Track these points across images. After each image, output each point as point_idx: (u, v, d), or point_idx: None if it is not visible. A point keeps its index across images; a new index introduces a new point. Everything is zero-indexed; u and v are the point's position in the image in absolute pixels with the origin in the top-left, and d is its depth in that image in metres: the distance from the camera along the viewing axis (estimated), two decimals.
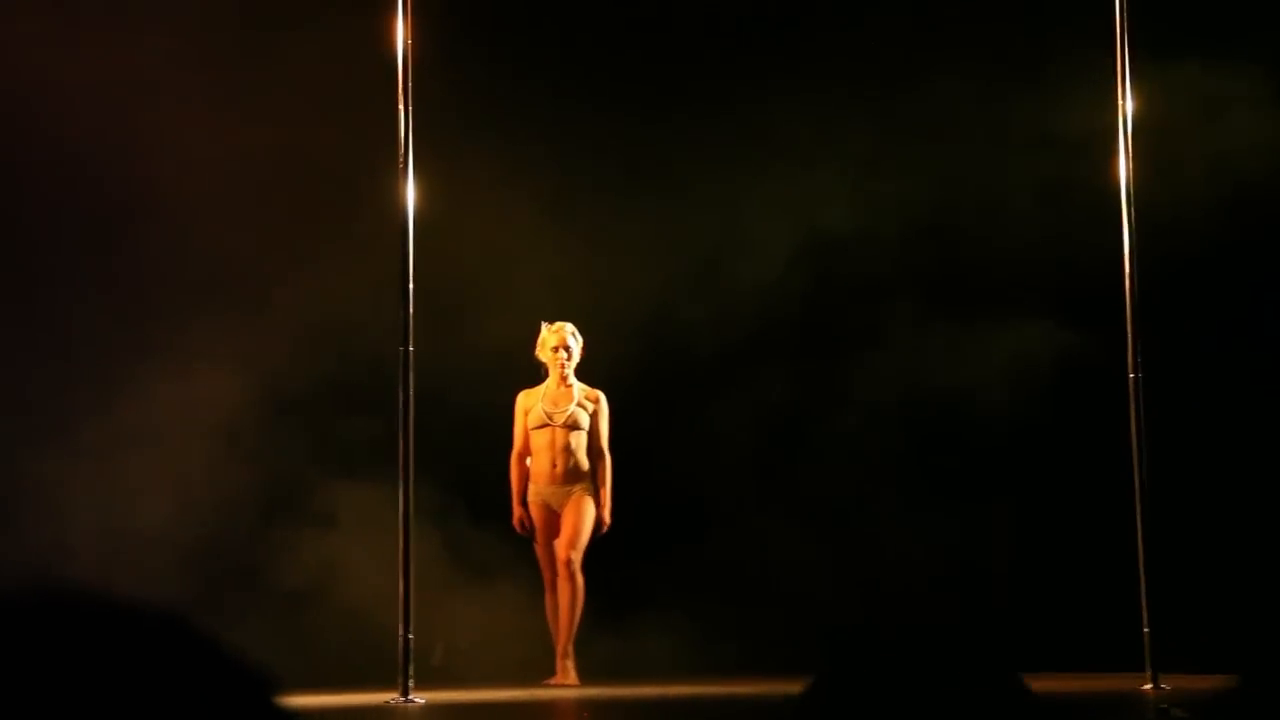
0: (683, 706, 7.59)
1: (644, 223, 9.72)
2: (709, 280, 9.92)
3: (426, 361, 7.35)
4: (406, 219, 7.35)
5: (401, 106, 7.31)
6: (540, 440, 8.28)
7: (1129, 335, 7.59)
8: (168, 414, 9.20)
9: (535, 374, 8.35)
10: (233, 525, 9.25)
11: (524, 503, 8.32)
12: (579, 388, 8.31)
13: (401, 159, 7.33)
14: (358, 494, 9.15)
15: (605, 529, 8.27)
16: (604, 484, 8.27)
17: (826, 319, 9.91)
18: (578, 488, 8.25)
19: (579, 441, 8.27)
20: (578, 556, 8.20)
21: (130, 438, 9.15)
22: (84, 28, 9.15)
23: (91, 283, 9.28)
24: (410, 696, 6.96)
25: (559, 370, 8.27)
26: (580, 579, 8.19)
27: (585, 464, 8.27)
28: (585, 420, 8.28)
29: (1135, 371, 7.57)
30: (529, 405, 8.32)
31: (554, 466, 8.26)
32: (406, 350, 7.21)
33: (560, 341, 8.27)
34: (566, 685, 8.13)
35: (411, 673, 7.00)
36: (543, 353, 8.31)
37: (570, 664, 8.21)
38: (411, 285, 7.26)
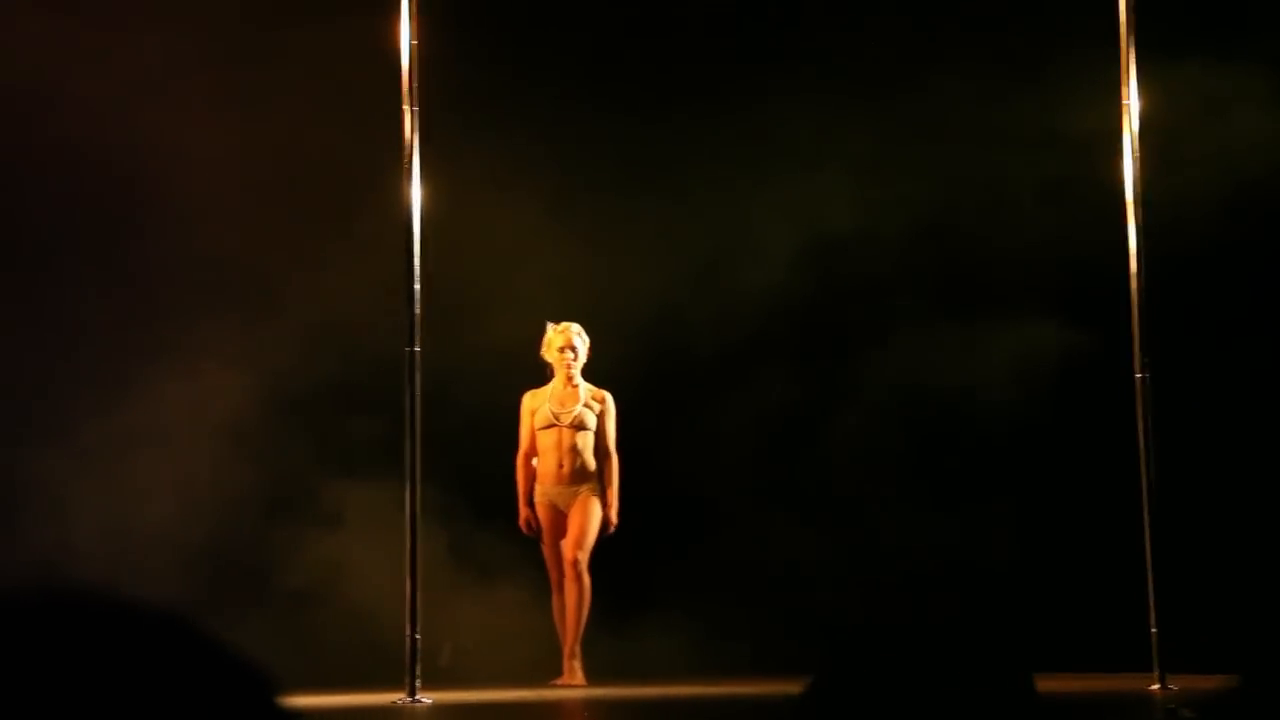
0: (688, 707, 7.59)
1: (648, 223, 9.73)
2: (712, 280, 9.91)
3: (432, 362, 7.36)
4: (412, 219, 7.35)
5: (407, 107, 7.31)
6: (547, 441, 8.28)
7: (1135, 335, 7.58)
8: (174, 414, 9.21)
9: (541, 374, 8.35)
10: (238, 525, 9.25)
11: (530, 503, 8.32)
12: (585, 388, 8.31)
13: (407, 159, 7.34)
14: (364, 494, 9.15)
15: (612, 529, 8.27)
16: (611, 484, 8.27)
17: (830, 319, 9.91)
18: (584, 488, 8.25)
19: (586, 442, 8.27)
20: (584, 557, 8.20)
21: (136, 437, 9.16)
22: (92, 28, 9.15)
23: (97, 283, 9.29)
24: (417, 697, 6.96)
25: (565, 371, 8.27)
26: (587, 579, 8.19)
27: (592, 464, 8.27)
28: (592, 421, 8.28)
29: (1142, 371, 7.56)
30: (535, 406, 8.31)
31: (560, 467, 8.26)
32: (413, 350, 7.21)
33: (566, 342, 8.27)
34: (573, 685, 8.13)
35: (418, 673, 7.00)
36: (549, 353, 8.30)
37: (577, 664, 8.21)
38: (417, 285, 7.26)
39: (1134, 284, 7.61)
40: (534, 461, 8.33)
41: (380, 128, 7.71)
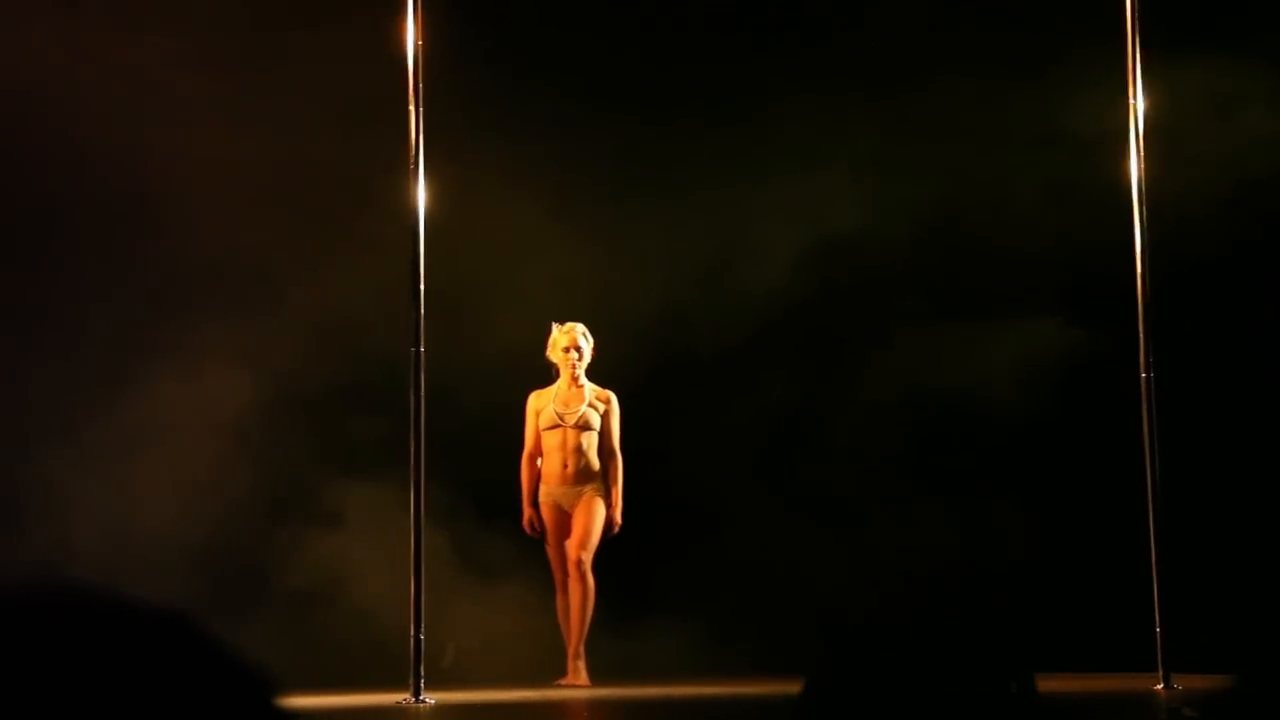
0: (692, 707, 7.59)
1: (652, 223, 9.73)
2: (716, 280, 9.92)
3: (437, 362, 7.35)
4: (417, 220, 7.35)
5: (412, 108, 7.31)
6: (552, 441, 8.28)
7: (1141, 335, 7.58)
8: (177, 414, 9.22)
9: (546, 374, 8.35)
10: (241, 525, 9.25)
11: (534, 504, 8.32)
12: (590, 388, 8.31)
13: (412, 160, 7.34)
14: (367, 494, 9.15)
15: (616, 529, 8.27)
16: (615, 484, 8.27)
17: (834, 320, 9.90)
18: (589, 488, 8.25)
19: (590, 442, 8.27)
20: (588, 557, 8.20)
21: (138, 437, 9.16)
22: (96, 29, 9.16)
23: (101, 283, 9.30)
24: (422, 697, 6.96)
25: (570, 371, 8.27)
26: (591, 579, 8.19)
27: (596, 464, 8.27)
28: (596, 421, 8.28)
29: (1147, 371, 7.56)
30: (540, 406, 8.31)
31: (565, 467, 8.26)
32: (417, 351, 7.21)
33: (571, 342, 8.27)
34: (578, 686, 8.13)
35: (422, 673, 7.00)
36: (554, 353, 8.31)
37: (581, 664, 8.21)
38: (422, 286, 7.27)
39: (1139, 284, 7.61)
40: (538, 462, 8.34)
41: (385, 128, 7.71)
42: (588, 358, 8.30)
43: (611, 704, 7.60)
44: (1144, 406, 7.54)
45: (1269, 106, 9.48)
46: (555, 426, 8.27)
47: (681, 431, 9.74)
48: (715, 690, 8.03)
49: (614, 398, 8.33)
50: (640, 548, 8.61)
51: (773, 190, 9.87)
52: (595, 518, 8.21)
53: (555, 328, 8.34)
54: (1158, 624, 7.37)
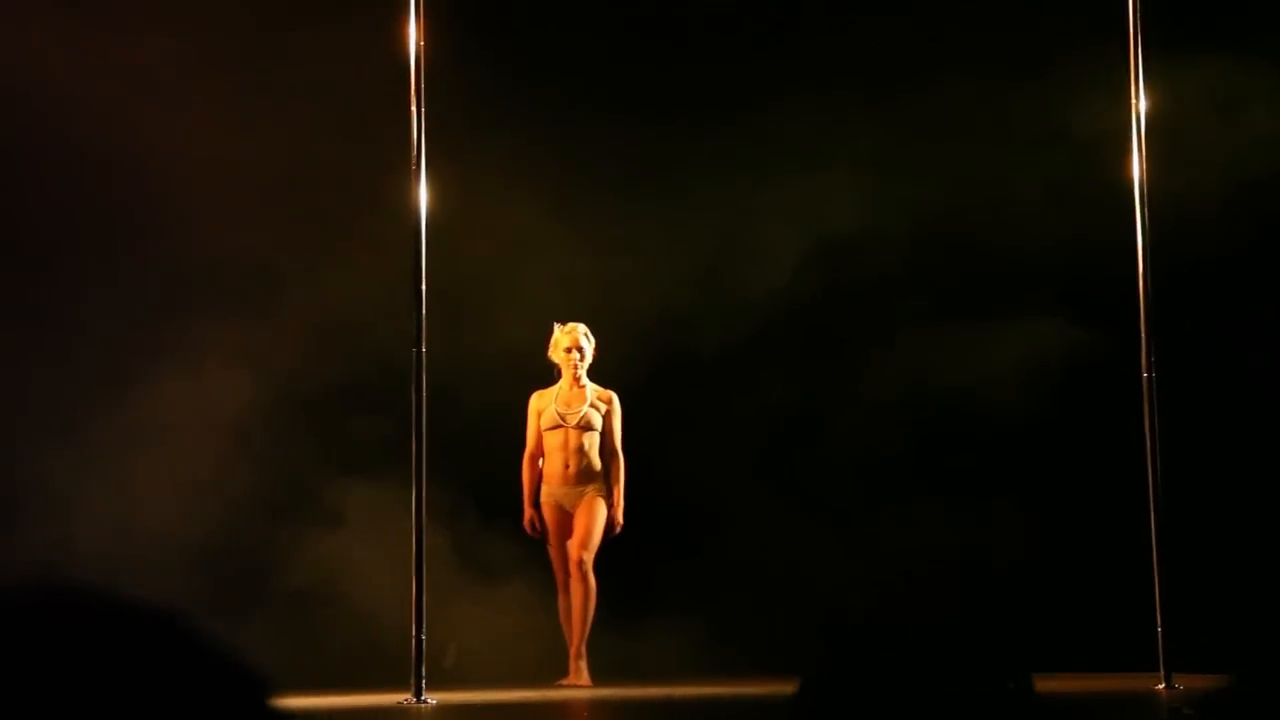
0: (693, 707, 7.59)
1: (653, 223, 9.73)
2: (717, 280, 9.92)
3: (438, 362, 7.36)
4: (418, 220, 7.35)
5: (413, 108, 7.31)
6: (553, 441, 8.28)
7: (1143, 335, 7.58)
8: (178, 414, 9.22)
9: (547, 375, 8.35)
10: (242, 525, 9.25)
11: (535, 504, 8.32)
12: (592, 388, 8.31)
13: (413, 160, 7.34)
14: (368, 494, 9.16)
15: (618, 530, 8.27)
16: (617, 484, 8.27)
17: (836, 320, 9.91)
18: (590, 488, 8.25)
19: (592, 442, 8.27)
20: (590, 557, 8.20)
21: (139, 437, 9.16)
22: (96, 30, 9.16)
23: (102, 282, 9.30)
24: (423, 697, 6.97)
25: (572, 371, 8.27)
26: (592, 580, 8.19)
27: (598, 465, 8.27)
28: (598, 421, 8.28)
29: (1149, 371, 7.56)
30: (542, 406, 8.32)
31: (567, 467, 8.26)
32: (419, 351, 7.21)
33: (573, 342, 8.27)
34: (579, 686, 8.13)
35: (424, 673, 7.00)
36: (555, 354, 8.31)
37: (583, 665, 8.21)
38: (424, 286, 7.27)
39: (1141, 284, 7.60)
40: (540, 462, 8.34)
41: (386, 128, 7.71)
42: (589, 358, 8.30)
43: (613, 704, 7.61)
44: (1145, 406, 7.54)
45: (1270, 106, 9.48)
46: (557, 427, 8.27)
47: (683, 432, 9.74)
48: (716, 690, 8.03)
49: (615, 398, 8.33)
50: (641, 548, 8.62)
51: (773, 190, 9.88)
52: (597, 518, 8.22)
53: (557, 328, 8.34)
54: (1159, 624, 7.37)
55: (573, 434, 8.26)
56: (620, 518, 8.26)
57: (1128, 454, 7.71)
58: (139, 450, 9.17)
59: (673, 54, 9.78)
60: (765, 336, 9.83)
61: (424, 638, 7.03)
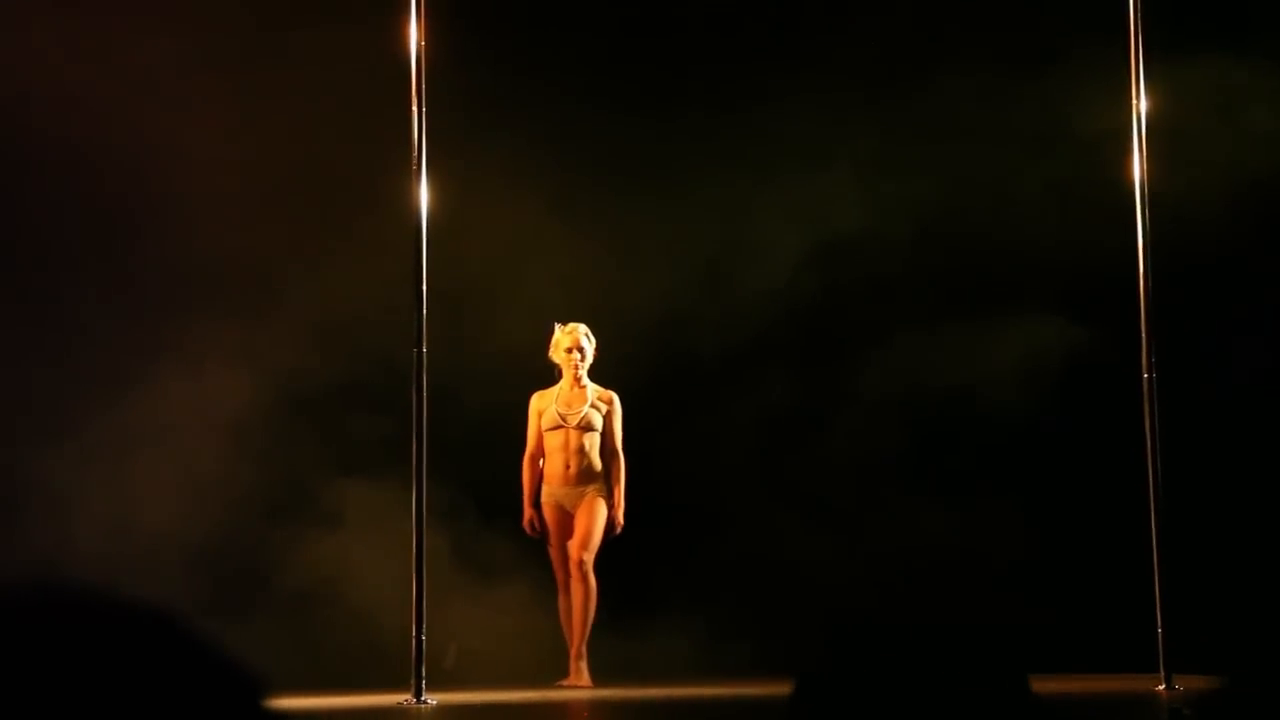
0: (694, 707, 7.59)
1: (654, 223, 9.73)
2: (719, 281, 9.92)
3: (439, 362, 7.35)
4: (419, 220, 7.35)
5: (414, 108, 7.31)
6: (554, 441, 8.28)
7: (1143, 336, 7.57)
8: (178, 414, 9.22)
9: (548, 375, 8.35)
10: (242, 525, 9.25)
11: (535, 504, 8.32)
12: (592, 389, 8.31)
13: (414, 160, 7.34)
14: (368, 495, 9.16)
15: (619, 530, 8.27)
16: (617, 485, 8.27)
17: (837, 320, 9.91)
18: (591, 489, 8.25)
19: (593, 443, 8.27)
20: (590, 558, 8.20)
21: (139, 437, 9.17)
22: (99, 29, 9.17)
23: (102, 282, 9.30)
24: (423, 698, 6.96)
25: (572, 371, 8.27)
26: (593, 580, 8.19)
27: (598, 465, 8.27)
28: (599, 421, 8.28)
29: (1149, 372, 7.56)
30: (543, 407, 8.32)
31: (567, 468, 8.26)
32: (420, 352, 7.21)
33: (574, 343, 8.27)
34: (579, 686, 8.13)
35: (424, 673, 7.00)
36: (556, 354, 8.31)
37: (583, 665, 8.21)
38: (424, 286, 7.27)
39: (1141, 284, 7.60)
40: (540, 462, 8.34)
41: (387, 129, 7.71)
42: (590, 358, 8.30)
43: (613, 705, 7.60)
44: (1145, 407, 7.54)
45: (1271, 107, 9.48)
46: (558, 427, 8.27)
47: (683, 432, 9.74)
48: (717, 691, 8.03)
49: (616, 398, 8.33)
50: (642, 548, 8.61)
51: (774, 190, 9.88)
52: (597, 518, 8.22)
53: (558, 328, 8.34)
54: (1159, 624, 7.36)
55: (573, 434, 8.25)
56: (621, 518, 8.26)
57: (1128, 454, 7.71)
58: (139, 450, 9.17)
59: (673, 54, 9.79)
60: (766, 337, 9.83)
61: (424, 638, 7.03)
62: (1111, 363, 8.71)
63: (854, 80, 9.72)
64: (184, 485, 9.20)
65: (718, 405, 9.87)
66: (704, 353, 9.87)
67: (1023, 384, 9.55)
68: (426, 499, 7.16)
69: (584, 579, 8.17)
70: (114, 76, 9.10)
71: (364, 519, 9.23)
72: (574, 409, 8.27)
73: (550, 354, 8.32)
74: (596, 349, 8.33)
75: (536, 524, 8.30)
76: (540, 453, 8.32)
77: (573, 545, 8.22)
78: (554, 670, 8.32)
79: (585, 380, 8.29)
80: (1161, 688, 7.21)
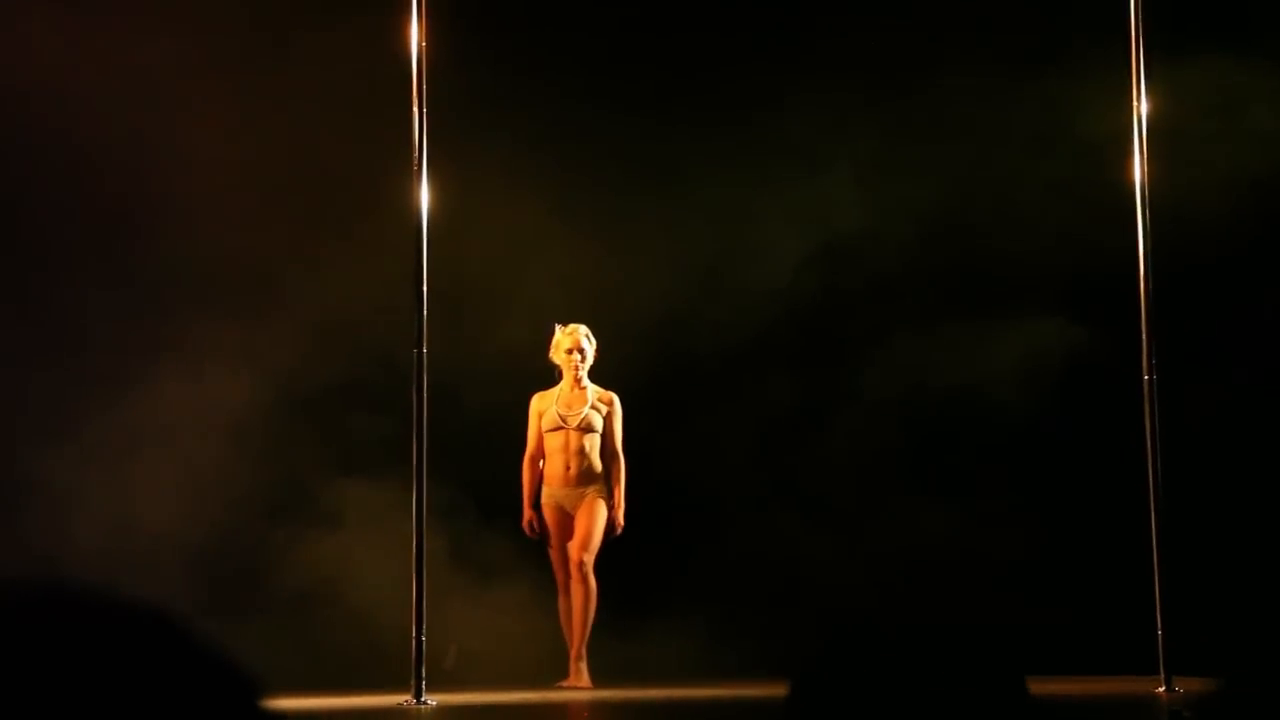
0: (694, 708, 7.59)
1: (655, 224, 9.73)
2: (720, 282, 9.91)
3: (439, 362, 7.36)
4: (420, 221, 7.36)
5: (415, 109, 7.32)
6: (554, 443, 8.28)
7: (1143, 337, 7.57)
8: (178, 414, 9.22)
9: (548, 376, 8.35)
10: (242, 525, 9.26)
11: (535, 505, 8.31)
12: (593, 390, 8.31)
13: (415, 161, 7.34)
14: (368, 495, 9.15)
15: (619, 531, 8.27)
16: (618, 486, 8.27)
17: (838, 320, 9.91)
18: (591, 490, 8.25)
19: (593, 444, 8.26)
20: (590, 559, 8.19)
21: (139, 437, 9.17)
22: (100, 29, 9.17)
23: (103, 283, 9.30)
24: (423, 698, 6.96)
25: (573, 372, 8.26)
26: (593, 581, 8.18)
27: (599, 466, 8.27)
28: (599, 423, 8.27)
29: (1150, 374, 7.55)
30: (543, 408, 8.31)
31: (568, 469, 8.26)
32: (420, 352, 7.21)
33: (574, 344, 8.27)
34: (580, 688, 8.12)
35: (424, 674, 7.00)
36: (556, 355, 8.30)
37: (583, 666, 8.21)
38: (425, 287, 7.27)
39: (1142, 285, 7.60)
40: (540, 463, 8.33)
41: (388, 129, 7.71)
42: (590, 359, 8.30)
43: (613, 706, 7.60)
44: (1146, 408, 7.53)
45: (1272, 107, 9.48)
46: (558, 428, 8.26)
47: (684, 433, 9.74)
48: (717, 692, 8.03)
49: (616, 399, 8.32)
50: (642, 549, 8.61)
51: (774, 191, 9.88)
52: (597, 519, 8.21)
53: (558, 329, 8.34)
54: (1159, 626, 7.36)
55: (574, 435, 8.25)
56: (621, 519, 8.26)
57: (1128, 455, 7.71)
58: (139, 450, 9.17)
59: (674, 55, 9.78)
60: (766, 337, 9.83)
61: (424, 639, 7.03)
62: (1111, 363, 8.71)
63: (855, 81, 9.72)
64: (184, 485, 9.21)
65: (718, 406, 9.87)
66: (704, 354, 9.87)
67: (1023, 384, 9.55)
68: (426, 499, 7.15)
69: (584, 580, 8.17)
70: (115, 77, 9.10)
71: (364, 519, 9.23)
72: (574, 410, 8.27)
73: (550, 355, 8.31)
74: (597, 350, 8.32)
75: (536, 525, 8.30)
76: (540, 454, 8.32)
77: (573, 546, 8.22)
78: (554, 671, 8.32)
79: (586, 381, 8.29)
80: (1161, 690, 7.21)
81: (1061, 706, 6.38)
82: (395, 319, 7.75)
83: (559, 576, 8.30)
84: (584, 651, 8.21)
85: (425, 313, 7.24)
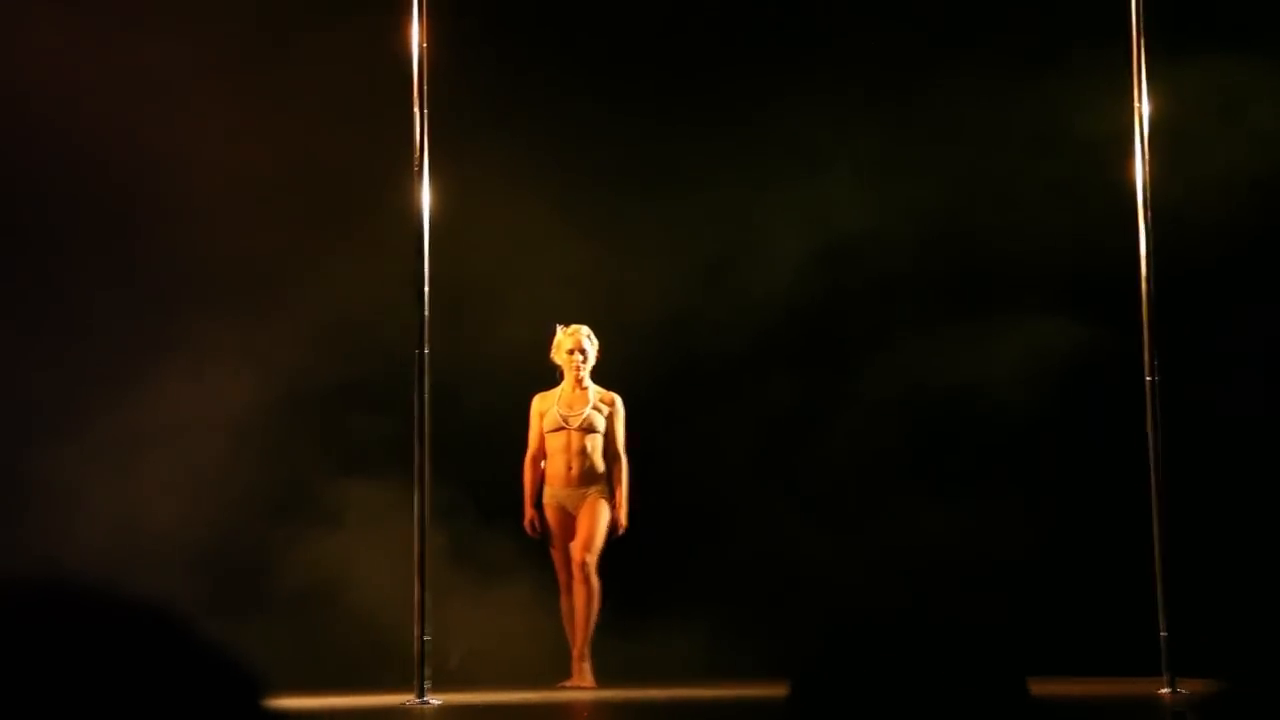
0: (697, 709, 7.59)
1: (657, 225, 9.72)
2: (722, 282, 9.91)
3: (441, 363, 7.36)
4: (422, 221, 7.36)
5: (416, 109, 7.32)
6: (556, 443, 8.28)
7: (1145, 338, 7.57)
8: (181, 413, 9.23)
9: (550, 376, 8.35)
10: (245, 524, 9.26)
11: (537, 505, 8.32)
12: (594, 390, 8.31)
13: (416, 161, 7.34)
14: (370, 495, 9.16)
15: (621, 531, 8.27)
16: (620, 486, 8.27)
17: (841, 320, 9.90)
18: (593, 490, 8.25)
19: (595, 444, 8.27)
20: (593, 559, 8.20)
21: (143, 436, 9.17)
22: (104, 30, 9.17)
23: (105, 282, 9.31)
24: (426, 698, 6.97)
25: (574, 373, 8.27)
26: (595, 581, 8.19)
27: (601, 466, 8.27)
28: (601, 423, 8.27)
29: (1152, 374, 7.55)
30: (545, 408, 8.31)
31: (569, 469, 8.26)
32: (422, 353, 7.21)
33: (576, 344, 8.27)
34: (582, 688, 8.13)
35: (427, 674, 7.00)
36: (558, 355, 8.31)
37: (586, 666, 8.21)
38: (427, 287, 7.27)
39: (1144, 286, 7.60)
40: (542, 464, 8.33)
41: (389, 129, 7.72)
42: (592, 360, 8.30)
43: (616, 706, 7.60)
44: (1148, 409, 7.53)
45: (1273, 108, 9.48)
46: (559, 429, 8.26)
47: (686, 433, 9.73)
48: (719, 692, 8.03)
49: (618, 400, 8.33)
50: (645, 549, 8.61)
51: (776, 192, 9.87)
52: (599, 520, 8.21)
53: (560, 329, 8.34)
54: (1162, 628, 7.36)
55: (575, 436, 8.25)
56: (623, 519, 8.26)
57: (1130, 455, 7.70)
58: (142, 449, 9.18)
59: (675, 55, 9.78)
60: (768, 338, 9.83)
61: (427, 638, 7.03)
62: (1113, 364, 8.70)
63: (856, 81, 9.72)
64: (186, 484, 9.21)
65: (719, 406, 9.87)
66: (706, 354, 9.86)
67: (1024, 385, 9.54)
68: (429, 500, 7.16)
69: (586, 580, 8.17)
70: (117, 77, 9.11)
71: (365, 519, 9.23)
72: (576, 410, 8.27)
73: (552, 355, 8.32)
74: (598, 350, 8.33)
75: (537, 524, 8.30)
76: (542, 454, 8.32)
77: (575, 547, 8.22)
78: (557, 671, 8.32)
79: (587, 382, 8.29)
80: (1164, 691, 7.20)
81: (1063, 707, 6.38)
82: (397, 319, 7.75)
83: (561, 577, 8.30)
84: (587, 651, 8.22)
85: (427, 313, 7.24)
